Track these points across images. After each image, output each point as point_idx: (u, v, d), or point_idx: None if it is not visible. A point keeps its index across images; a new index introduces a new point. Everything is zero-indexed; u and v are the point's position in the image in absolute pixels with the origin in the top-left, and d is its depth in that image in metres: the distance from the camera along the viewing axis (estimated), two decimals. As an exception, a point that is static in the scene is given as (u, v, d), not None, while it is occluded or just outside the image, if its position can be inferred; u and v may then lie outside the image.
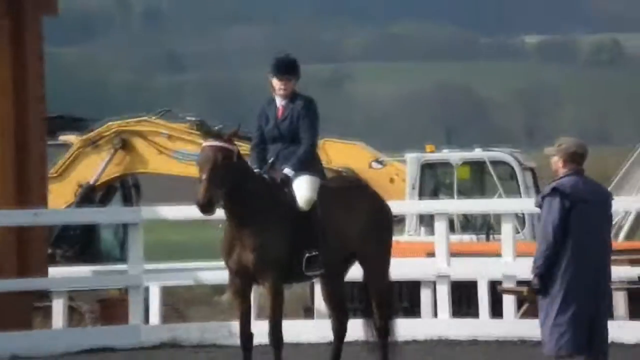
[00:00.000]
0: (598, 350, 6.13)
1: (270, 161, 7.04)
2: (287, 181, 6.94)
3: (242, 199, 6.82)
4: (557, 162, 6.27)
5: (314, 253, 6.86)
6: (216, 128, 14.40)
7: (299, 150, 7.01)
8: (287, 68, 7.13)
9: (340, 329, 7.18)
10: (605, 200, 6.26)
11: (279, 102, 7.14)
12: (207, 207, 6.70)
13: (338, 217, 7.00)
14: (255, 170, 7.00)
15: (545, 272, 6.09)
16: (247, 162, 6.99)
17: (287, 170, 6.98)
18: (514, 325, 9.95)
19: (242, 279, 6.93)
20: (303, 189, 6.94)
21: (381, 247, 7.16)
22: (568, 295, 6.09)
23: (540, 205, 6.22)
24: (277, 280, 6.85)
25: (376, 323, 7.17)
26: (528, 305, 10.38)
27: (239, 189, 6.80)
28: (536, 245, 6.18)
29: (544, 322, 6.10)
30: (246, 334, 6.93)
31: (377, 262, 7.14)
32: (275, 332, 6.85)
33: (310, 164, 7.05)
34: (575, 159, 6.23)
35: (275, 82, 7.14)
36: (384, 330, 7.18)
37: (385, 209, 7.31)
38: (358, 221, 7.05)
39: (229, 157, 6.78)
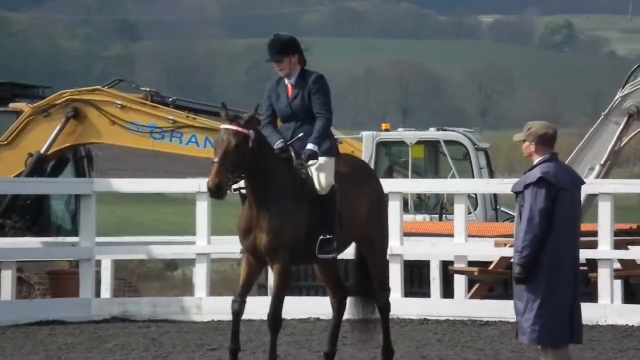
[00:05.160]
0: (578, 337, 6.15)
1: (289, 140, 7.04)
2: (314, 156, 6.93)
3: (262, 180, 6.84)
4: (528, 147, 6.13)
5: (328, 236, 6.89)
6: (170, 99, 14.31)
7: (316, 125, 6.99)
8: (278, 49, 7.04)
9: (340, 306, 7.22)
10: (579, 185, 6.23)
11: (287, 81, 7.11)
12: (216, 191, 6.67)
13: (351, 201, 7.04)
14: (276, 148, 7.00)
15: (530, 262, 6.04)
16: (268, 144, 6.91)
17: (311, 146, 6.96)
18: (464, 305, 10.06)
19: (256, 259, 6.92)
20: (322, 172, 6.95)
21: (382, 228, 7.24)
22: (550, 285, 6.06)
23: (518, 192, 6.12)
24: (286, 263, 6.86)
25: (378, 301, 7.22)
26: (478, 285, 10.49)
27: (258, 170, 6.78)
28: (520, 234, 6.07)
29: (524, 311, 6.06)
30: (240, 299, 6.81)
31: (380, 243, 7.21)
32: (276, 314, 6.84)
33: (328, 138, 7.02)
34: (547, 141, 6.11)
35: (274, 65, 7.09)
36: (386, 308, 7.26)
37: (383, 190, 7.32)
38: (365, 204, 7.11)
39: (243, 141, 6.73)
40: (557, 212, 6.05)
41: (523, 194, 6.11)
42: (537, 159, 6.14)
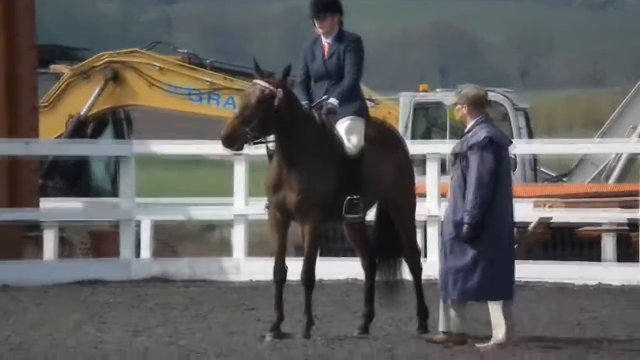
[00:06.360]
0: (513, 292, 6.42)
1: (319, 99, 7.12)
2: (334, 111, 7.02)
3: (291, 138, 6.92)
4: (461, 110, 6.49)
5: (355, 198, 6.97)
6: (208, 62, 14.33)
7: (343, 82, 7.09)
8: (321, 7, 7.14)
9: (371, 268, 7.32)
10: (510, 145, 6.54)
11: (324, 40, 7.19)
12: (226, 141, 6.81)
13: (378, 164, 7.14)
14: (304, 105, 7.05)
15: (480, 222, 6.22)
16: (299, 104, 6.98)
17: (333, 100, 7.06)
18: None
19: (282, 215, 7.00)
20: (353, 133, 7.05)
21: (409, 192, 7.32)
22: (496, 243, 6.26)
23: (458, 153, 6.33)
24: (317, 222, 6.97)
25: (409, 264, 7.34)
26: (517, 247, 10.45)
27: (287, 129, 6.87)
28: (468, 194, 6.25)
29: (467, 270, 6.24)
30: (281, 268, 6.99)
31: (407, 206, 7.30)
32: (309, 272, 6.94)
33: (354, 97, 7.10)
34: (479, 103, 6.43)
35: (315, 22, 7.16)
36: (417, 269, 7.36)
37: (409, 155, 7.44)
38: (392, 168, 7.20)
39: (267, 98, 6.84)
40: (501, 173, 6.31)
41: (466, 155, 6.32)
42: (471, 121, 6.45)
